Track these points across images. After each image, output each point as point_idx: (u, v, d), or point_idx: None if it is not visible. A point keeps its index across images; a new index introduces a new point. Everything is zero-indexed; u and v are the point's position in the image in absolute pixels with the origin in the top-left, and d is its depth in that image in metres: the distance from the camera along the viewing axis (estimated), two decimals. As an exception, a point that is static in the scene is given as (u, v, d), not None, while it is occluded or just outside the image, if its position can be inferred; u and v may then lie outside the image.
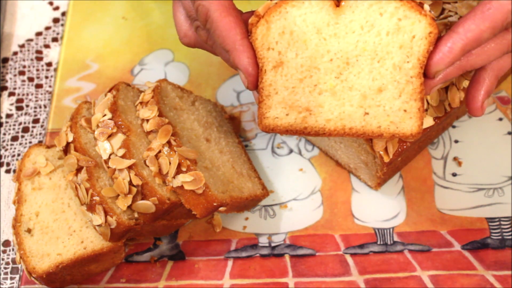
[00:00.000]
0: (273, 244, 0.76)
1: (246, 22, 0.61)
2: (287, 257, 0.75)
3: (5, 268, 0.76)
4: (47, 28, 0.95)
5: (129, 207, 0.67)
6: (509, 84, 0.84)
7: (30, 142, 0.85)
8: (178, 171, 0.66)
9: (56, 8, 0.97)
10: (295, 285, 0.73)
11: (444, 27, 0.69)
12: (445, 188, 0.78)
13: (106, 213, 0.66)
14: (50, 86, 0.89)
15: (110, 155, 0.67)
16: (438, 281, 0.72)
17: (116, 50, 0.92)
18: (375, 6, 0.58)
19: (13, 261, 0.76)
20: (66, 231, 0.69)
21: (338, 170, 0.80)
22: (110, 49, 0.92)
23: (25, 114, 0.87)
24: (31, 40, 0.94)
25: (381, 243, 0.75)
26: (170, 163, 0.66)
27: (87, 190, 0.67)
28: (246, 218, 0.78)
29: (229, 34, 0.59)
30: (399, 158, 0.73)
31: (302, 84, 0.61)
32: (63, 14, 0.96)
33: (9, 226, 0.78)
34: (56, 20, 0.96)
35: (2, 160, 0.84)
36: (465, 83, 0.73)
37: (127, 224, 0.66)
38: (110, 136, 0.68)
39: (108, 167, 0.67)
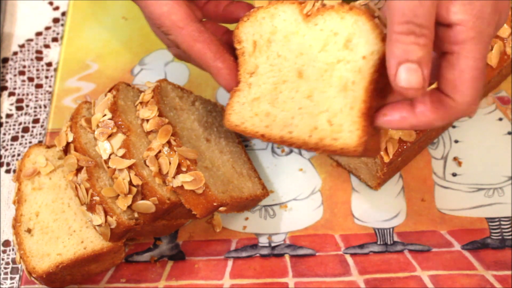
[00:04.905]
0: (273, 244, 0.76)
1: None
2: (287, 257, 0.75)
3: (5, 268, 0.76)
4: (47, 28, 0.95)
5: (129, 207, 0.67)
6: (509, 84, 0.84)
7: (30, 142, 0.85)
8: (178, 171, 0.66)
9: (56, 8, 0.97)
10: (295, 285, 0.73)
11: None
12: (445, 188, 0.78)
13: (106, 213, 0.66)
14: (50, 86, 0.89)
15: (110, 155, 0.67)
16: (438, 281, 0.72)
17: (116, 50, 0.92)
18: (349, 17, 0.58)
19: (13, 261, 0.76)
20: (66, 231, 0.69)
21: (338, 170, 0.80)
22: (110, 49, 0.92)
23: (25, 114, 0.87)
24: (31, 40, 0.94)
25: (381, 243, 0.75)
26: (170, 163, 0.66)
27: (87, 190, 0.67)
28: (246, 218, 0.78)
29: (202, 60, 0.63)
30: (399, 158, 0.73)
31: (270, 90, 0.62)
32: (63, 14, 0.96)
33: (9, 226, 0.78)
34: (56, 20, 0.96)
35: (2, 160, 0.84)
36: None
37: (127, 224, 0.66)
38: (110, 136, 0.68)
39: (108, 167, 0.67)
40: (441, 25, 0.54)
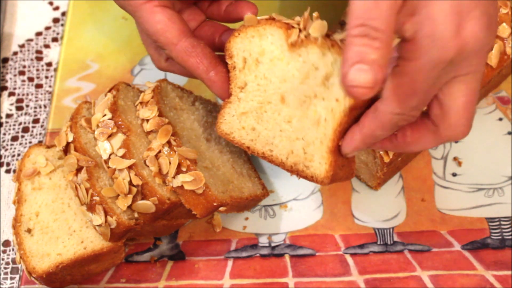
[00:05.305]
0: (273, 244, 0.76)
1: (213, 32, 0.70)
2: (287, 257, 0.75)
3: (5, 268, 0.76)
4: (47, 28, 0.95)
5: (129, 207, 0.67)
6: (509, 84, 0.84)
7: (30, 142, 0.85)
8: (178, 171, 0.66)
9: (56, 8, 0.97)
10: (295, 285, 0.73)
11: None
12: (445, 188, 0.78)
13: (106, 213, 0.66)
14: (50, 86, 0.89)
15: (110, 155, 0.67)
16: (438, 281, 0.72)
17: (116, 50, 0.92)
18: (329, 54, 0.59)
19: (13, 261, 0.76)
20: (66, 231, 0.69)
21: (338, 170, 0.80)
22: (110, 49, 0.92)
23: (25, 114, 0.87)
24: (31, 40, 0.94)
25: (381, 243, 0.75)
26: (170, 163, 0.66)
27: (87, 190, 0.67)
28: (246, 218, 0.78)
29: (195, 73, 0.66)
30: (399, 158, 0.73)
31: (256, 107, 0.65)
32: (63, 14, 0.96)
33: (9, 226, 0.78)
34: (56, 20, 0.96)
35: (2, 160, 0.84)
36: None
37: (127, 224, 0.66)
38: (110, 136, 0.68)
39: (108, 167, 0.67)
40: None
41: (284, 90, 0.62)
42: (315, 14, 0.61)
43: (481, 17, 0.51)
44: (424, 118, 0.57)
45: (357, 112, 0.58)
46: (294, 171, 0.63)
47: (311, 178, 0.62)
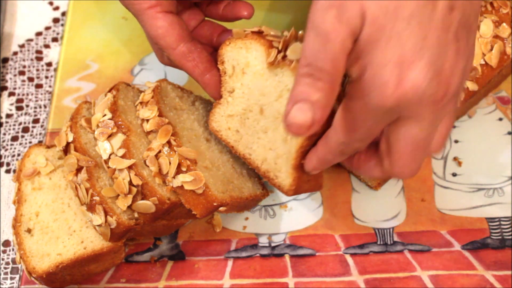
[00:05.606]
0: (273, 244, 0.76)
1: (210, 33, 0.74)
2: (287, 257, 0.75)
3: (5, 268, 0.76)
4: (47, 28, 0.95)
5: (129, 207, 0.67)
6: (509, 84, 0.84)
7: (30, 142, 0.85)
8: (178, 171, 0.66)
9: (56, 8, 0.97)
10: (295, 285, 0.73)
11: None
12: (445, 188, 0.78)
13: (106, 213, 0.66)
14: (50, 86, 0.89)
15: (110, 155, 0.67)
16: (438, 281, 0.72)
17: (116, 50, 0.92)
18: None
19: (13, 261, 0.76)
20: (66, 231, 0.69)
21: (338, 170, 0.80)
22: (110, 49, 0.92)
23: (25, 114, 0.87)
24: (31, 40, 0.94)
25: (381, 243, 0.75)
26: (170, 163, 0.66)
27: (87, 190, 0.67)
28: (246, 218, 0.78)
29: (192, 75, 0.70)
30: (399, 158, 0.73)
31: (241, 113, 0.68)
32: (63, 14, 0.96)
33: (9, 226, 0.78)
34: (56, 20, 0.96)
35: (2, 160, 0.84)
36: (466, 84, 0.73)
37: (127, 224, 0.66)
38: (110, 136, 0.68)
39: (108, 167, 0.67)
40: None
41: (263, 103, 0.66)
42: (301, 33, 0.63)
43: (427, 68, 0.50)
44: (376, 149, 0.59)
45: (318, 137, 0.61)
46: (266, 177, 0.67)
47: (278, 187, 0.66)
